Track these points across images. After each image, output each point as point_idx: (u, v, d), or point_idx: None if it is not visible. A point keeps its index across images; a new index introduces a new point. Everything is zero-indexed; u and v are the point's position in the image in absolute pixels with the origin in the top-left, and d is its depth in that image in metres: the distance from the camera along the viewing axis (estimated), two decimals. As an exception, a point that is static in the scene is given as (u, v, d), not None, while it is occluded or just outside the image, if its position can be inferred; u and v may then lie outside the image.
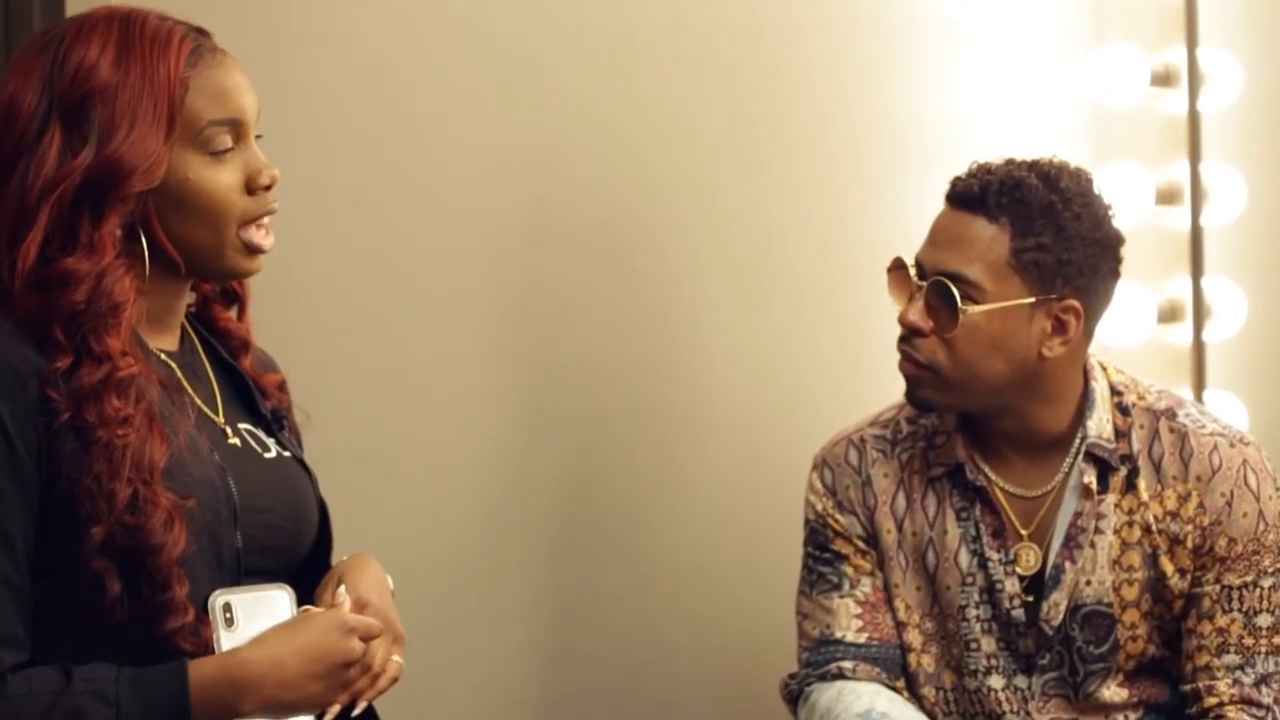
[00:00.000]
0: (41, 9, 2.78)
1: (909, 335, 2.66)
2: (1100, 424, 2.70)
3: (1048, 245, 2.62)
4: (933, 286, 2.63)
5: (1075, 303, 2.65)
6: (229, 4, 2.78)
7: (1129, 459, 2.70)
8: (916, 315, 2.64)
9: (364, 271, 2.95)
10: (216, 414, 2.10)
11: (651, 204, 3.20)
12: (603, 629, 3.15)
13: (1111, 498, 2.69)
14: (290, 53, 2.88)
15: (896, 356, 2.70)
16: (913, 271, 2.67)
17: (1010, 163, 2.68)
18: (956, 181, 2.69)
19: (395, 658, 2.07)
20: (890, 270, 2.71)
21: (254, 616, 2.00)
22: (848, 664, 2.71)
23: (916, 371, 2.66)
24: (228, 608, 1.98)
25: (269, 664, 1.95)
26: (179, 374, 2.08)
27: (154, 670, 1.93)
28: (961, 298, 2.61)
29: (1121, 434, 2.71)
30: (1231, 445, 2.69)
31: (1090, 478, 2.68)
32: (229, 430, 2.10)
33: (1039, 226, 2.62)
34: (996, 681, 2.72)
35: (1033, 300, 2.63)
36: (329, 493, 2.21)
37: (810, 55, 3.35)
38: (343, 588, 2.06)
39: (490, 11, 3.07)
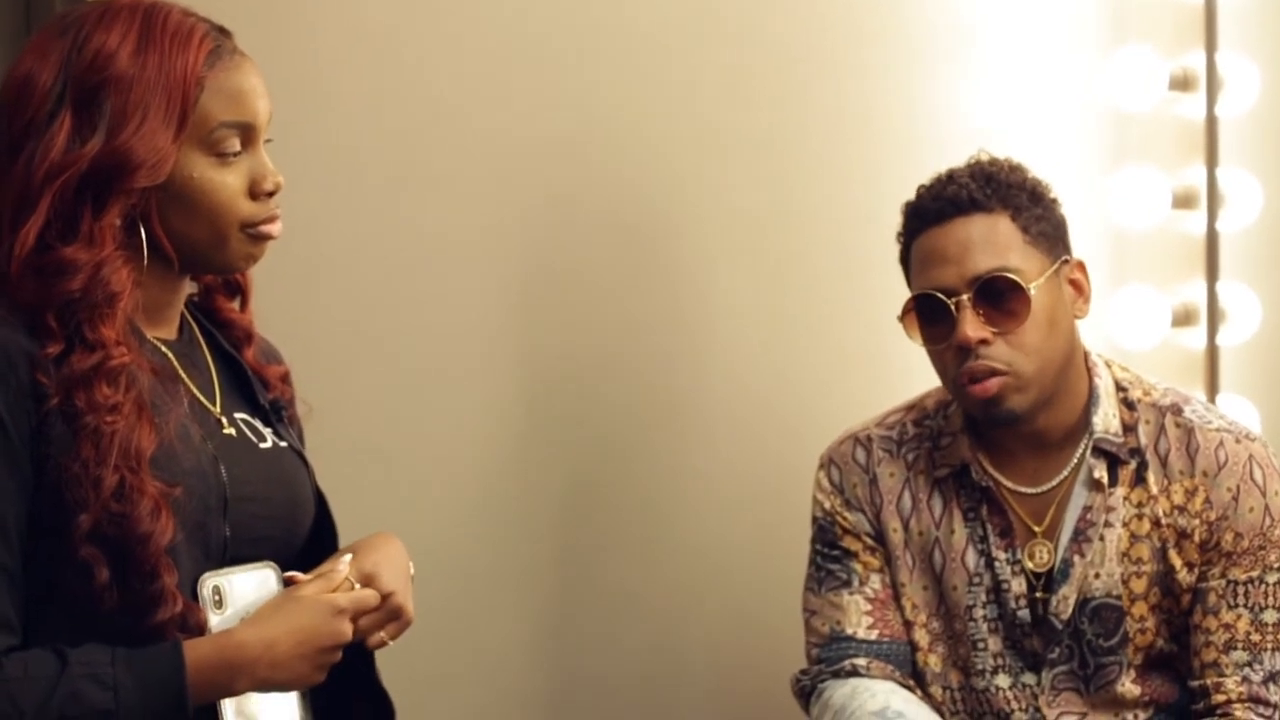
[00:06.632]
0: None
1: (972, 351, 2.62)
2: (1107, 419, 2.70)
3: (1041, 215, 2.68)
4: (983, 289, 2.62)
5: (1077, 259, 2.71)
6: None
7: (1137, 452, 2.70)
8: (975, 329, 2.62)
9: (375, 264, 2.95)
10: (213, 403, 2.09)
11: (667, 201, 3.20)
12: (610, 625, 3.14)
13: (1120, 491, 2.69)
14: (306, 46, 2.88)
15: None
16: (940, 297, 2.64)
17: (958, 170, 2.71)
18: (930, 201, 2.69)
19: (382, 634, 2.06)
20: (911, 309, 2.68)
21: (242, 595, 2.00)
22: (861, 661, 2.70)
23: (1001, 380, 2.62)
24: (216, 590, 1.99)
25: (262, 646, 1.95)
26: (175, 363, 2.07)
27: (149, 652, 1.92)
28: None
29: (1128, 428, 2.71)
30: (1238, 441, 2.69)
31: (1101, 472, 2.68)
32: (225, 420, 2.09)
33: (1027, 201, 2.67)
34: (1003, 680, 2.71)
35: (1054, 268, 2.67)
36: (334, 485, 2.20)
37: (830, 56, 3.35)
38: (346, 558, 2.05)
39: (507, 7, 3.07)
